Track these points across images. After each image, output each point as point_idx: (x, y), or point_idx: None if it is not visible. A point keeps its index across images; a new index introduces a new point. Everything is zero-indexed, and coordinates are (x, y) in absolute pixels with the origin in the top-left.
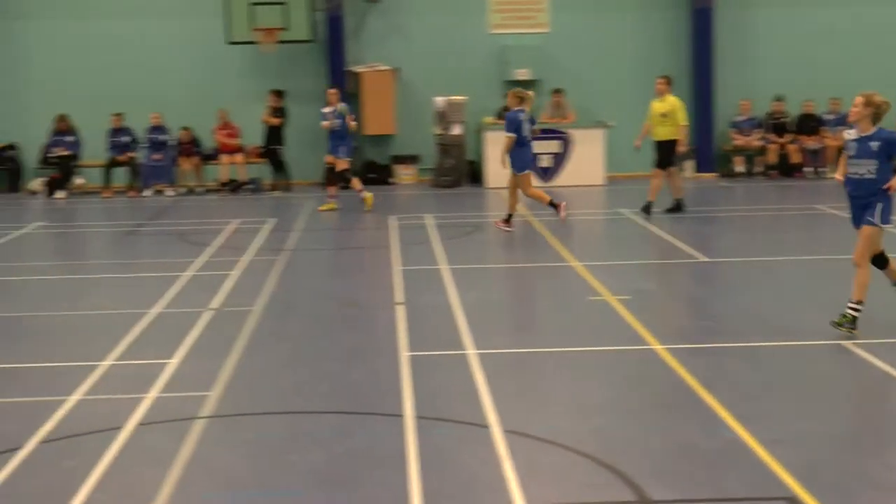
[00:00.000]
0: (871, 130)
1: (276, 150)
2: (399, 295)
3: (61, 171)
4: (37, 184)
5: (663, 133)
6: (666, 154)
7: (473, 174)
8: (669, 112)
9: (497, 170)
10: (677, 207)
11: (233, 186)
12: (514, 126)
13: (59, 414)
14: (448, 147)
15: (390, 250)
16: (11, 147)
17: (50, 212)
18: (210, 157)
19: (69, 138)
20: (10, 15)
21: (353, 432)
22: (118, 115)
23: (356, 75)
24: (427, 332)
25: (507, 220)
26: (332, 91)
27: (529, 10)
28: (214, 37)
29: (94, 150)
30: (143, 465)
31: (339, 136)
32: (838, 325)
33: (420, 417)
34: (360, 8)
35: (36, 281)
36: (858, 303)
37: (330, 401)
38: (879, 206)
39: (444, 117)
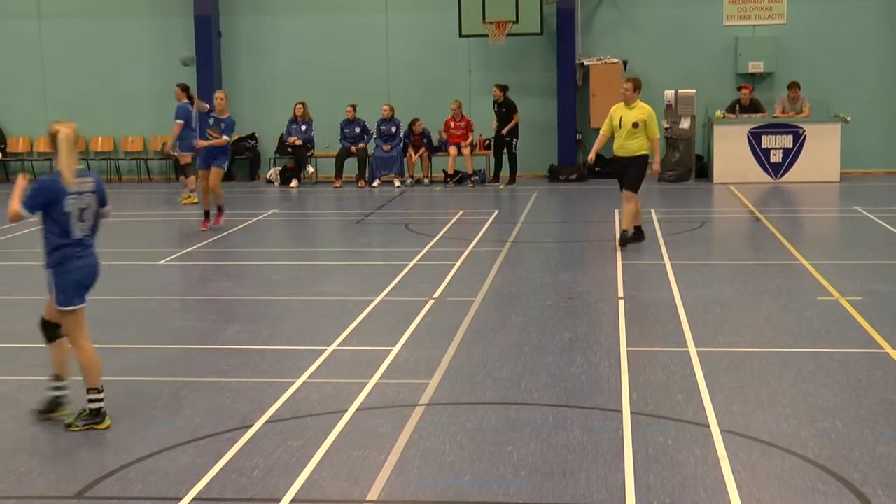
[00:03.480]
0: None
1: (510, 143)
2: (621, 289)
3: (295, 160)
4: (273, 172)
5: None
6: None
7: (701, 169)
8: None
9: (726, 165)
10: None
11: (459, 178)
12: None
13: (287, 395)
14: (676, 141)
15: (615, 244)
16: (252, 137)
17: (284, 200)
18: (438, 149)
19: (304, 127)
20: (260, 10)
21: (569, 426)
22: (352, 106)
23: (585, 68)
24: (648, 328)
25: None
26: None
27: (766, 0)
28: (446, 30)
29: (328, 140)
30: (364, 448)
31: None
32: None
33: (638, 414)
34: (591, 1)
35: (270, 266)
36: None
37: (548, 393)
38: None
39: (672, 110)
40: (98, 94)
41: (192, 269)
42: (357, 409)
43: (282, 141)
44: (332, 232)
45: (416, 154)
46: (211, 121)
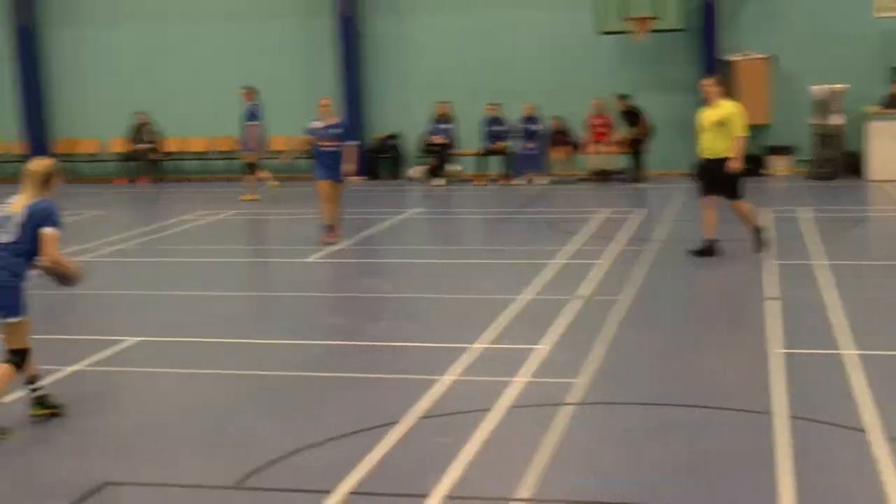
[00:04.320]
0: None
1: (640, 140)
2: (771, 290)
3: (438, 159)
4: (416, 171)
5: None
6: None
7: (853, 166)
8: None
9: (882, 163)
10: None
11: (602, 176)
12: None
13: (435, 392)
14: (826, 137)
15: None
16: (394, 136)
17: (427, 198)
18: (580, 147)
19: (446, 126)
20: (403, 10)
21: (718, 427)
22: (494, 105)
23: (729, 64)
24: (800, 329)
25: None
26: None
27: None
28: (586, 27)
29: (470, 139)
30: (513, 446)
31: None
32: None
33: (793, 417)
34: None
35: (416, 264)
36: None
37: (695, 394)
38: None
39: (822, 106)
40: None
41: (339, 266)
42: (505, 407)
43: (424, 140)
44: (475, 230)
45: (558, 152)
46: (319, 132)
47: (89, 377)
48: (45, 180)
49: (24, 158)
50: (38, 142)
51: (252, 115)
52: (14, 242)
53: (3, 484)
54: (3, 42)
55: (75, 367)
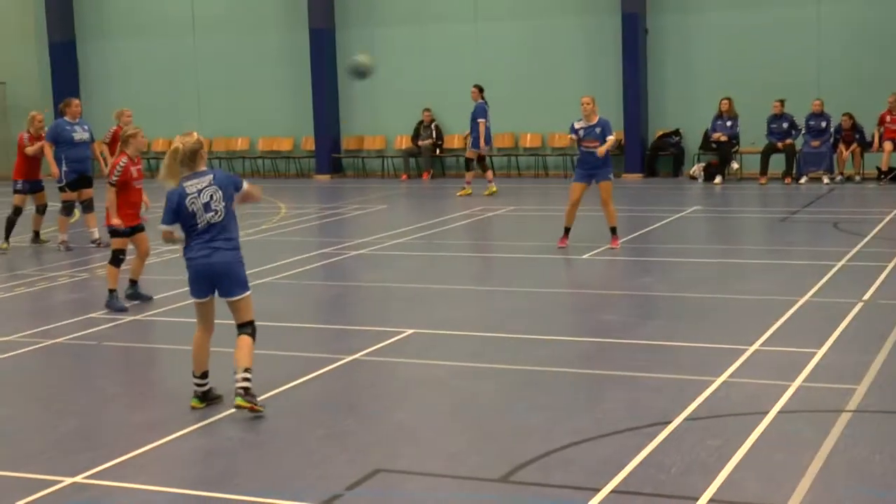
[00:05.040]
0: None
1: None
2: None
3: (720, 156)
4: (696, 168)
5: None
6: None
7: None
8: None
9: None
10: None
11: (894, 175)
12: None
13: (706, 393)
14: None
15: None
16: (676, 133)
17: (707, 196)
18: (871, 145)
19: (729, 122)
20: (687, 6)
21: None
22: (780, 101)
23: None
24: None
25: None
26: None
27: None
28: (883, 20)
29: (754, 136)
30: (785, 451)
31: None
32: None
33: None
34: None
35: (691, 263)
36: None
37: None
38: None
39: None
40: (528, 93)
41: (613, 264)
42: (778, 412)
43: (706, 136)
44: (755, 230)
45: (847, 150)
46: (581, 132)
47: (366, 366)
48: (199, 154)
49: (312, 155)
50: (328, 138)
51: (480, 114)
52: (224, 219)
53: (279, 468)
54: (302, 44)
55: (353, 357)
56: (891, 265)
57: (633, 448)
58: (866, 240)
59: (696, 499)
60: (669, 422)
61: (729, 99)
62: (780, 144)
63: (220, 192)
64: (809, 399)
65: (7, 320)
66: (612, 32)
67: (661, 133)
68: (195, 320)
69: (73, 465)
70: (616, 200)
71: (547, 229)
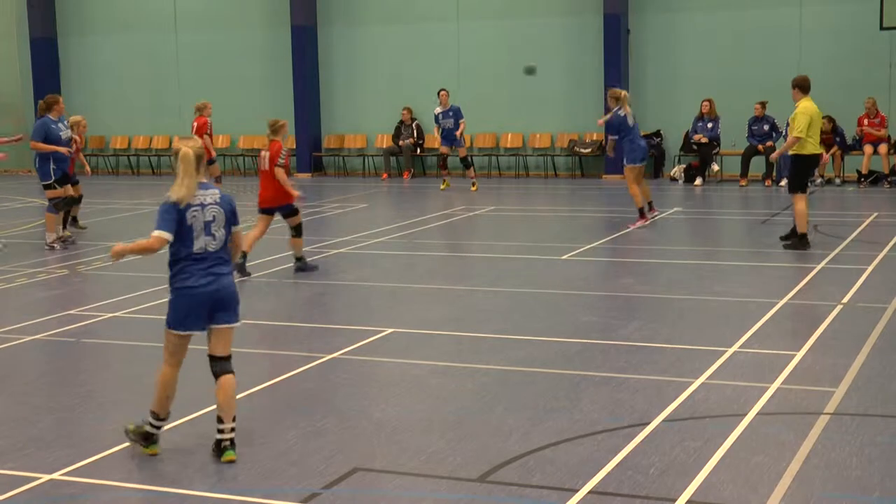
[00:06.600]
0: None
1: None
2: None
3: (701, 158)
4: (676, 170)
5: None
6: None
7: None
8: None
9: None
10: None
11: (874, 178)
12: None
13: (685, 395)
14: None
15: None
16: (657, 134)
17: (687, 198)
18: (852, 148)
19: (710, 124)
20: (670, 7)
21: None
22: (761, 103)
23: None
24: None
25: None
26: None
27: None
28: (865, 23)
29: (734, 138)
30: (762, 454)
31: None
32: None
33: None
34: None
35: (672, 265)
36: None
37: None
38: None
39: None
40: (509, 93)
41: (593, 265)
42: (757, 414)
43: (687, 138)
44: (735, 232)
45: (827, 153)
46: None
47: (345, 365)
48: (203, 161)
49: (294, 153)
50: (309, 136)
51: (448, 115)
52: (224, 246)
53: (257, 466)
54: (283, 41)
55: (332, 356)
56: (870, 268)
57: (611, 449)
58: (846, 242)
59: (674, 500)
60: (648, 423)
61: (710, 100)
62: (760, 147)
63: (222, 216)
64: (788, 401)
65: None
66: (593, 33)
67: (642, 134)
68: (163, 355)
69: (51, 462)
70: (596, 201)
71: (527, 229)
